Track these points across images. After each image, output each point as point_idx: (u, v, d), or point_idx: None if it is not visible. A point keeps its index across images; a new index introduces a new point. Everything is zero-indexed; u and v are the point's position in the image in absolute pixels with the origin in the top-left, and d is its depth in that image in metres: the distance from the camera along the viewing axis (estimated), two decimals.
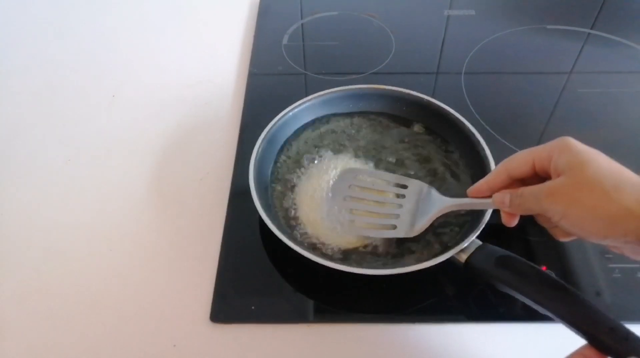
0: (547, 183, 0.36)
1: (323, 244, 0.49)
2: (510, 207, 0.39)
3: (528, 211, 0.39)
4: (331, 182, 0.52)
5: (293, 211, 0.52)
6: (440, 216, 0.46)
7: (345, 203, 0.49)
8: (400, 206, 0.47)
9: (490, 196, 0.41)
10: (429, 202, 0.45)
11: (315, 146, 0.58)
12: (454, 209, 0.45)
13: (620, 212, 0.33)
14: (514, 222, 0.41)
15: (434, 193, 0.46)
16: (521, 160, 0.39)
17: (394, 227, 0.46)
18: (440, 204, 0.45)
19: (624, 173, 0.34)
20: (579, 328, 0.37)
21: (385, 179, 0.50)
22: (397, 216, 0.46)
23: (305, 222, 0.50)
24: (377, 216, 0.48)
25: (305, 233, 0.50)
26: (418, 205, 0.46)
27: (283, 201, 0.53)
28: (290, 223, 0.51)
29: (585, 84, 0.69)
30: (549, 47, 0.75)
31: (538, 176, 0.39)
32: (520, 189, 0.39)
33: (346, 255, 0.48)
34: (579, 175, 0.35)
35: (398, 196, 0.48)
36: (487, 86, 0.70)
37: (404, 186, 0.48)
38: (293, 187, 0.54)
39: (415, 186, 0.47)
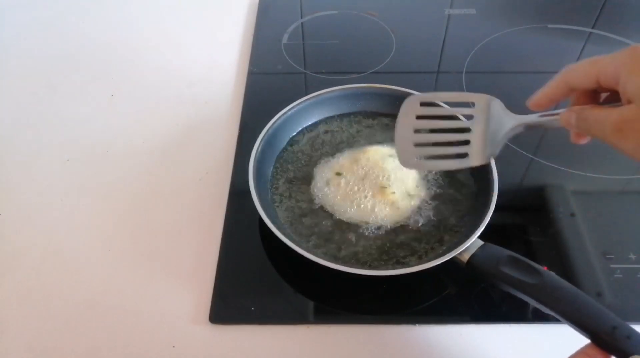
0: (615, 112, 0.31)
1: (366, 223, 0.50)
2: (577, 128, 0.34)
3: (595, 137, 0.33)
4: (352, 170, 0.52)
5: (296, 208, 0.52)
6: (442, 217, 0.46)
7: (415, 136, 0.43)
8: (470, 130, 0.41)
9: (555, 114, 0.36)
10: (498, 121, 0.40)
11: (316, 146, 0.58)
12: (522, 129, 0.39)
13: None
14: (583, 141, 0.36)
15: (501, 108, 0.41)
16: (584, 72, 0.34)
17: (466, 155, 0.41)
18: (509, 124, 0.39)
19: None
20: (582, 327, 0.36)
21: (450, 100, 0.44)
22: (468, 142, 0.41)
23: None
24: (448, 146, 0.42)
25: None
26: (488, 125, 0.40)
27: (285, 198, 0.53)
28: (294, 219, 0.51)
29: None
30: (550, 46, 0.75)
31: (604, 89, 0.34)
32: (585, 111, 0.33)
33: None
34: None
35: (467, 117, 0.42)
36: (488, 85, 0.69)
37: (472, 104, 0.42)
38: (295, 185, 0.54)
39: (482, 102, 0.41)
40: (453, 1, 0.82)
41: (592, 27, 0.77)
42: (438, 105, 0.45)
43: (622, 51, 0.31)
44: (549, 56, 0.73)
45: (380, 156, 0.53)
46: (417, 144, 0.42)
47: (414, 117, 0.43)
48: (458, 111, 0.43)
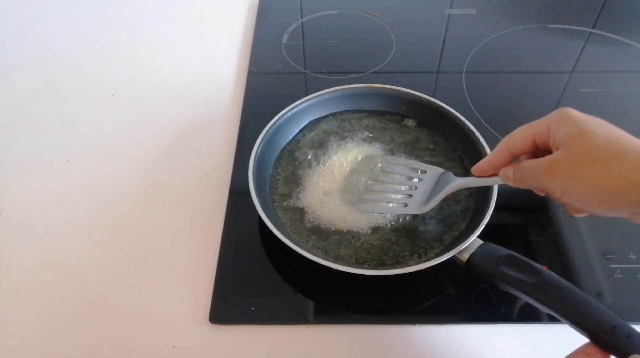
0: (546, 158, 0.35)
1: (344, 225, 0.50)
2: (514, 182, 0.39)
3: (530, 186, 0.37)
4: (345, 169, 0.54)
5: (300, 207, 0.52)
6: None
7: (362, 183, 0.51)
8: (416, 188, 0.49)
9: (494, 175, 0.41)
10: (442, 183, 0.47)
11: (316, 146, 0.58)
12: (464, 186, 0.46)
13: (622, 184, 0.31)
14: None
15: (450, 175, 0.47)
16: (521, 136, 0.38)
17: (406, 205, 0.48)
18: (451, 183, 0.46)
19: (623, 141, 0.32)
20: (581, 326, 0.36)
21: (405, 165, 0.52)
22: (411, 196, 0.49)
23: (313, 212, 0.51)
24: (391, 195, 0.50)
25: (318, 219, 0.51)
26: (433, 187, 0.48)
27: (285, 198, 0.53)
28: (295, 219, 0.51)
29: (586, 83, 0.69)
30: (550, 46, 0.75)
31: (541, 151, 0.37)
32: (521, 163, 0.38)
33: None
34: (576, 147, 0.33)
35: (415, 179, 0.50)
36: (488, 86, 0.69)
37: (423, 172, 0.50)
38: (295, 185, 0.54)
39: (434, 171, 0.49)
40: (453, 1, 0.82)
41: (592, 27, 0.77)
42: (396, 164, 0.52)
43: (553, 111, 0.36)
44: (549, 56, 0.73)
45: (375, 157, 0.54)
46: (365, 190, 0.51)
47: (369, 168, 0.52)
48: (410, 172, 0.51)
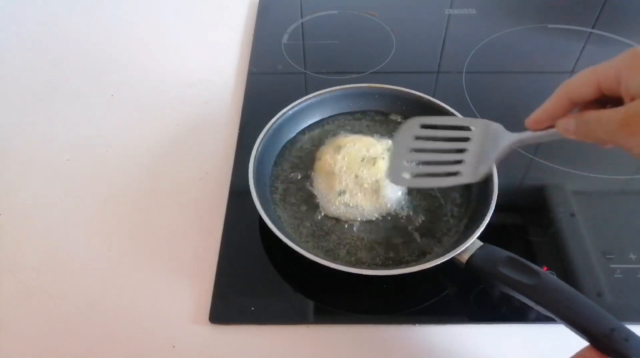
0: (620, 110, 0.30)
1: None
2: (577, 135, 0.33)
3: (597, 141, 0.32)
4: (345, 169, 0.52)
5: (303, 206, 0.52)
6: (442, 217, 0.46)
7: (410, 155, 0.44)
8: (466, 150, 0.42)
9: (551, 127, 0.35)
10: (493, 141, 0.41)
11: (316, 146, 0.58)
12: (519, 145, 0.39)
13: None
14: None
15: (500, 129, 0.41)
16: (584, 82, 0.33)
17: (459, 173, 0.41)
18: (503, 141, 0.40)
19: None
20: (580, 328, 0.36)
21: (450, 124, 0.45)
22: (462, 161, 0.42)
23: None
24: (441, 165, 0.43)
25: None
26: (483, 145, 0.41)
27: (285, 198, 0.53)
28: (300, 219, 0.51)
29: None
30: (551, 46, 0.75)
31: (608, 98, 0.32)
32: (585, 114, 0.32)
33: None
34: None
35: (464, 139, 0.43)
36: (489, 85, 0.69)
37: (468, 129, 0.43)
38: (295, 185, 0.54)
39: (481, 125, 0.42)
40: (453, 1, 0.82)
41: (592, 27, 0.77)
42: (437, 127, 0.45)
43: (620, 54, 0.31)
44: (549, 56, 0.73)
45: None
46: (410, 163, 0.43)
47: (412, 137, 0.44)
48: (456, 133, 0.43)
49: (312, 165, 0.55)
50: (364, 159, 0.53)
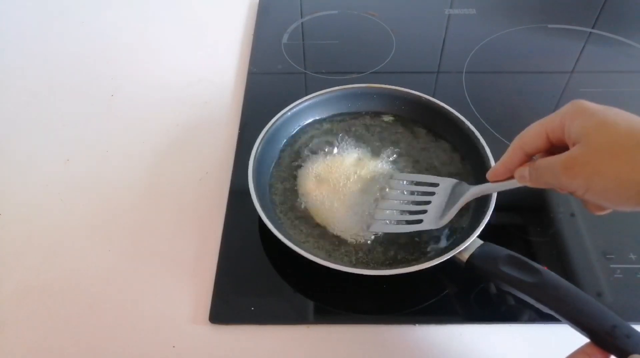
0: (562, 156, 0.32)
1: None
2: (531, 182, 0.36)
3: (549, 186, 0.35)
4: (348, 178, 0.53)
5: (301, 206, 0.52)
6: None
7: (371, 203, 0.50)
8: (429, 202, 0.47)
9: (511, 177, 0.39)
10: (457, 193, 0.46)
11: (316, 145, 0.58)
12: (480, 194, 0.44)
13: None
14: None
15: (464, 184, 0.46)
16: (533, 134, 0.35)
17: (421, 221, 0.46)
18: (466, 192, 0.45)
19: None
20: (581, 326, 0.36)
21: (416, 181, 0.50)
22: (425, 211, 0.47)
23: (315, 215, 0.51)
24: (405, 213, 0.48)
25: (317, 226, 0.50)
26: (447, 199, 0.46)
27: (285, 198, 0.53)
28: (294, 222, 0.51)
29: (586, 83, 0.69)
30: (551, 46, 0.75)
31: (556, 147, 0.35)
32: (537, 162, 0.35)
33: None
34: (596, 140, 0.30)
35: (428, 194, 0.49)
36: (489, 86, 0.69)
37: (436, 185, 0.48)
38: (295, 185, 0.54)
39: (447, 183, 0.47)
40: (453, 1, 0.82)
41: (592, 27, 0.77)
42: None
43: (565, 105, 0.34)
44: (549, 56, 0.73)
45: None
46: (376, 209, 0.49)
47: (377, 186, 0.50)
48: (423, 188, 0.49)
49: (313, 165, 0.55)
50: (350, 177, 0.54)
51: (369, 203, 0.50)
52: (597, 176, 0.30)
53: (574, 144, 0.32)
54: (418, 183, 0.50)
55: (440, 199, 0.47)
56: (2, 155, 0.61)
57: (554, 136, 0.34)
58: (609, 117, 0.31)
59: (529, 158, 0.37)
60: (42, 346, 0.45)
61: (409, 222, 0.47)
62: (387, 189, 0.50)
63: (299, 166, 0.56)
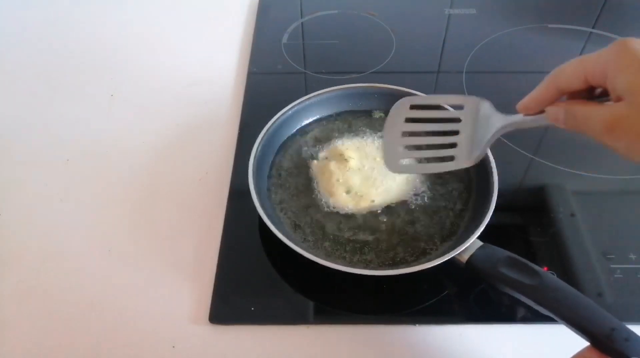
0: (605, 111, 0.30)
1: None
2: (566, 125, 0.33)
3: (582, 133, 0.32)
4: (349, 177, 0.52)
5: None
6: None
7: (403, 139, 0.43)
8: (458, 132, 0.41)
9: (541, 112, 0.35)
10: (485, 123, 0.40)
11: (315, 145, 0.58)
12: (511, 129, 0.39)
13: None
14: None
15: (489, 110, 0.41)
16: (571, 73, 0.32)
17: (453, 158, 0.41)
18: (495, 125, 0.39)
19: None
20: (580, 328, 0.36)
21: (440, 103, 0.46)
22: (455, 145, 0.41)
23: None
24: (435, 149, 0.42)
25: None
26: (475, 127, 0.41)
27: (285, 198, 0.53)
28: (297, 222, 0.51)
29: None
30: (551, 46, 0.75)
31: (595, 90, 0.32)
32: (574, 107, 0.32)
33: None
34: None
35: (456, 120, 0.42)
36: (489, 85, 0.69)
37: (460, 107, 0.42)
38: (295, 185, 0.54)
39: (471, 104, 0.41)
40: (453, 1, 0.82)
41: (593, 27, 0.77)
42: (428, 108, 0.44)
43: (608, 47, 0.30)
44: (549, 55, 0.73)
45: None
46: (404, 148, 0.43)
47: (403, 120, 0.43)
48: (447, 114, 0.43)
49: (311, 165, 0.55)
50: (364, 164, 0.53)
51: (398, 143, 0.43)
52: None
53: (618, 99, 0.29)
54: (442, 112, 0.44)
55: (468, 128, 0.41)
56: (2, 155, 0.61)
57: (594, 81, 0.31)
58: None
59: (562, 95, 0.34)
60: (42, 346, 0.45)
61: (440, 159, 0.41)
62: (410, 123, 0.43)
63: (299, 165, 0.56)
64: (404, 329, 0.45)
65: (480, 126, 0.40)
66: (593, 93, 0.33)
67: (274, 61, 0.72)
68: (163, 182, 0.58)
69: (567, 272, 0.48)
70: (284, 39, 0.75)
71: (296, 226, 0.50)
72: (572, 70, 0.32)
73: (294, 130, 0.59)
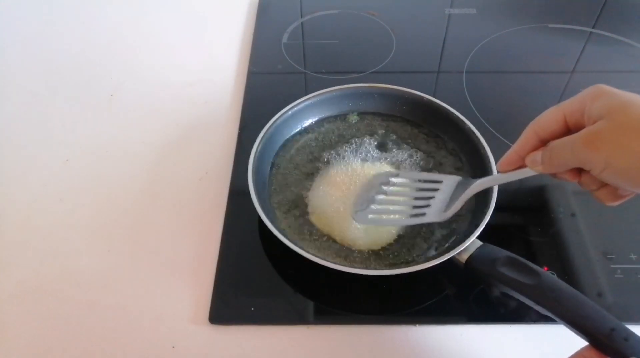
0: (584, 130, 0.31)
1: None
2: (543, 165, 0.35)
3: (563, 166, 0.34)
4: (349, 177, 0.52)
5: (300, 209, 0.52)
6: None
7: (374, 198, 0.47)
8: (433, 197, 0.45)
9: (520, 167, 0.37)
10: (462, 187, 0.44)
11: (315, 145, 0.58)
12: (487, 186, 0.42)
13: None
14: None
15: (469, 179, 0.44)
16: (550, 118, 0.34)
17: (424, 214, 0.44)
18: (472, 184, 0.43)
19: None
20: (579, 328, 0.36)
21: (419, 179, 0.48)
22: (429, 205, 0.45)
23: (316, 221, 0.50)
24: (408, 207, 0.46)
25: (316, 231, 0.50)
26: (452, 194, 0.44)
27: (285, 198, 0.53)
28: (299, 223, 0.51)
29: (587, 83, 0.67)
30: (551, 46, 0.75)
31: (573, 133, 0.33)
32: (551, 143, 0.34)
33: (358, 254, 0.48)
34: (620, 118, 0.30)
35: (431, 190, 0.46)
36: (489, 85, 0.69)
37: (439, 182, 0.46)
38: (294, 185, 0.54)
39: (451, 180, 0.45)
40: (453, 1, 0.82)
41: (593, 27, 0.77)
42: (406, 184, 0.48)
43: (585, 90, 0.33)
44: (550, 55, 0.73)
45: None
46: (374, 204, 0.46)
47: (379, 183, 0.47)
48: (425, 185, 0.46)
49: (312, 165, 0.55)
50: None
51: (370, 199, 0.48)
52: (620, 151, 0.30)
53: (594, 122, 0.31)
54: (421, 181, 0.47)
55: (444, 195, 0.44)
56: (2, 155, 0.61)
57: (572, 120, 0.33)
58: (631, 99, 0.31)
59: (542, 144, 0.36)
60: (42, 346, 0.45)
61: (412, 215, 0.45)
62: (390, 187, 0.48)
63: (299, 166, 0.56)
64: (404, 330, 0.45)
65: (456, 192, 0.44)
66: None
67: (274, 61, 0.72)
68: (163, 182, 0.58)
69: (567, 272, 0.48)
70: (284, 39, 0.75)
71: (296, 226, 0.50)
72: (551, 115, 0.35)
73: (294, 130, 0.59)
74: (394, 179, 0.48)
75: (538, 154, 0.35)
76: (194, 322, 0.46)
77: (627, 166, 0.30)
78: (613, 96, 0.31)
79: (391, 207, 0.47)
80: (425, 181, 0.47)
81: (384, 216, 0.46)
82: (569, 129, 0.34)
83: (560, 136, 0.34)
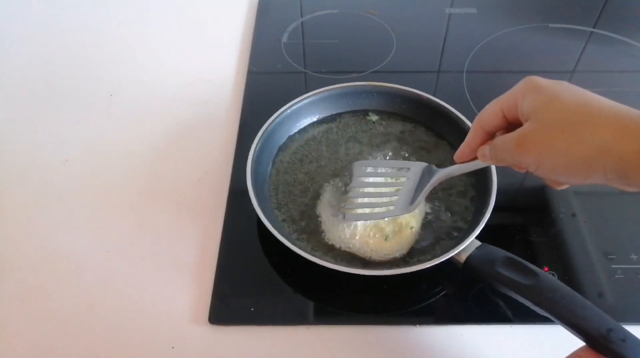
0: (515, 132, 0.33)
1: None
2: (491, 159, 0.37)
3: (507, 163, 0.36)
4: (336, 179, 0.53)
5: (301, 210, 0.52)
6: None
7: (347, 194, 0.49)
8: (400, 188, 0.47)
9: (475, 158, 0.39)
10: (426, 177, 0.46)
11: (314, 145, 0.57)
12: (447, 176, 0.44)
13: (594, 151, 0.29)
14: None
15: (432, 168, 0.46)
16: (491, 113, 0.36)
17: (393, 207, 0.47)
18: (434, 176, 0.44)
19: (593, 104, 0.31)
20: (576, 329, 0.36)
21: (390, 167, 0.50)
22: (397, 198, 0.47)
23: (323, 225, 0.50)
24: (376, 202, 0.48)
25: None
26: (417, 183, 0.46)
27: (284, 198, 0.53)
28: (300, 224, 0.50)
29: (587, 83, 0.67)
30: (552, 45, 0.75)
31: (514, 125, 0.35)
32: (494, 140, 0.36)
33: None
34: (545, 117, 0.31)
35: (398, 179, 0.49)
36: (489, 85, 0.69)
37: (407, 169, 0.48)
38: (294, 185, 0.54)
39: (417, 167, 0.47)
40: (453, 0, 0.82)
41: (593, 27, 0.77)
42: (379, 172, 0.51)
43: (518, 82, 0.34)
44: (550, 55, 0.73)
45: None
46: (348, 199, 0.49)
47: (358, 177, 0.50)
48: (394, 173, 0.49)
49: (312, 164, 0.55)
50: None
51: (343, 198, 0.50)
52: (547, 151, 0.31)
53: (526, 121, 0.33)
54: (389, 170, 0.50)
55: (411, 184, 0.47)
56: (2, 155, 0.61)
57: (510, 114, 0.35)
58: (557, 93, 0.32)
59: (490, 136, 0.37)
60: (42, 346, 0.45)
61: (382, 210, 0.47)
62: (358, 178, 0.50)
63: (298, 165, 0.56)
64: (404, 329, 0.45)
65: (421, 182, 0.46)
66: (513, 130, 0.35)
67: (274, 61, 0.72)
68: (162, 182, 0.58)
69: (568, 272, 0.48)
70: (284, 39, 0.75)
71: (295, 227, 0.50)
72: (491, 110, 0.36)
73: (293, 129, 0.59)
74: (363, 169, 0.50)
75: (486, 149, 0.37)
76: (194, 322, 0.46)
77: (554, 164, 0.31)
78: (540, 92, 0.32)
79: (360, 203, 0.49)
80: (393, 169, 0.49)
81: (355, 214, 0.48)
82: (508, 122, 0.35)
83: (502, 127, 0.36)
